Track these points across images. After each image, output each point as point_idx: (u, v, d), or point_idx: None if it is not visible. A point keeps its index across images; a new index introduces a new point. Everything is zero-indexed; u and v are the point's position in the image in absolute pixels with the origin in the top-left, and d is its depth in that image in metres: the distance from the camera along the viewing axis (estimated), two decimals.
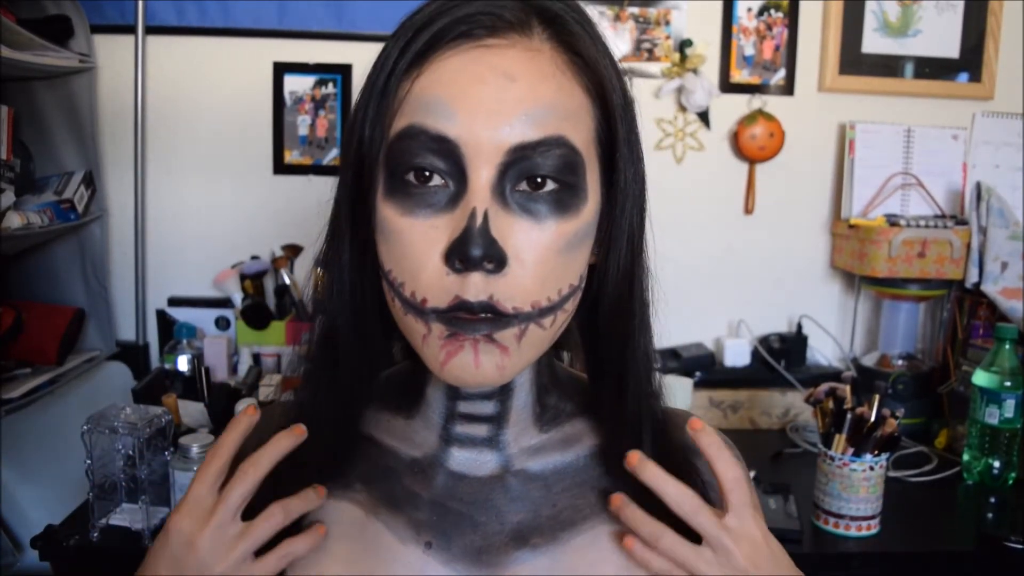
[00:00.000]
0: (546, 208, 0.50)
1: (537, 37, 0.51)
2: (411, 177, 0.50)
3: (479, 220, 0.47)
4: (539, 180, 0.49)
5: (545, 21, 0.51)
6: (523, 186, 0.50)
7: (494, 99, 0.48)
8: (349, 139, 0.53)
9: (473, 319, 0.49)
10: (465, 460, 0.58)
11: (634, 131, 0.55)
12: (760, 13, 1.82)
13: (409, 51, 0.50)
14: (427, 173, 0.49)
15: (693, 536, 0.57)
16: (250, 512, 0.56)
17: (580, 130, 0.51)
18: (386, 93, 0.50)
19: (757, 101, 1.84)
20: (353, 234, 0.53)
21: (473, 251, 0.47)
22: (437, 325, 0.50)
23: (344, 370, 0.56)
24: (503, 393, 0.58)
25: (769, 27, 1.82)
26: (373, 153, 0.51)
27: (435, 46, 0.49)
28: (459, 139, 0.48)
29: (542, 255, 0.50)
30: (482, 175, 0.48)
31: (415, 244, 0.49)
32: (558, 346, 0.65)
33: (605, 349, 0.57)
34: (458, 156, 0.48)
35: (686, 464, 0.59)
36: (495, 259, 0.48)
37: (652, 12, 1.80)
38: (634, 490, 0.55)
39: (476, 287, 0.48)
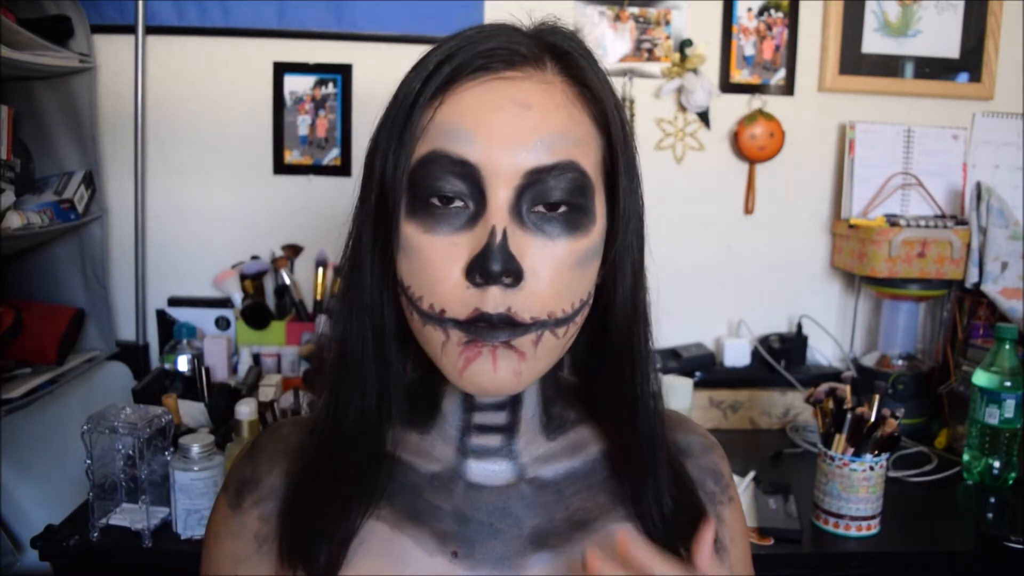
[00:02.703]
0: (559, 228, 0.53)
1: (550, 71, 0.55)
2: (434, 199, 0.53)
3: (499, 237, 0.51)
4: (554, 203, 0.53)
5: (556, 57, 0.55)
6: (539, 208, 0.53)
7: (511, 126, 0.52)
8: (371, 166, 0.57)
9: (492, 328, 0.52)
10: (482, 471, 0.61)
11: (634, 161, 0.58)
12: (760, 13, 1.82)
13: (432, 83, 0.53)
14: (450, 195, 0.53)
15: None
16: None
17: (589, 156, 0.55)
18: (409, 122, 0.54)
19: (757, 101, 1.84)
20: (374, 256, 0.56)
21: (493, 266, 0.50)
22: (456, 332, 0.53)
23: (369, 389, 0.58)
24: (514, 403, 0.61)
25: (769, 27, 1.82)
26: (397, 177, 0.54)
27: (456, 78, 0.53)
28: (479, 163, 0.52)
29: (556, 270, 0.53)
30: (500, 196, 0.52)
31: (436, 259, 0.53)
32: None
33: (614, 364, 0.60)
34: (478, 178, 0.52)
35: (675, 464, 0.63)
36: (513, 273, 0.51)
37: (652, 12, 1.80)
38: (637, 493, 0.60)
39: (495, 300, 0.52)
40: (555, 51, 0.56)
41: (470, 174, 0.52)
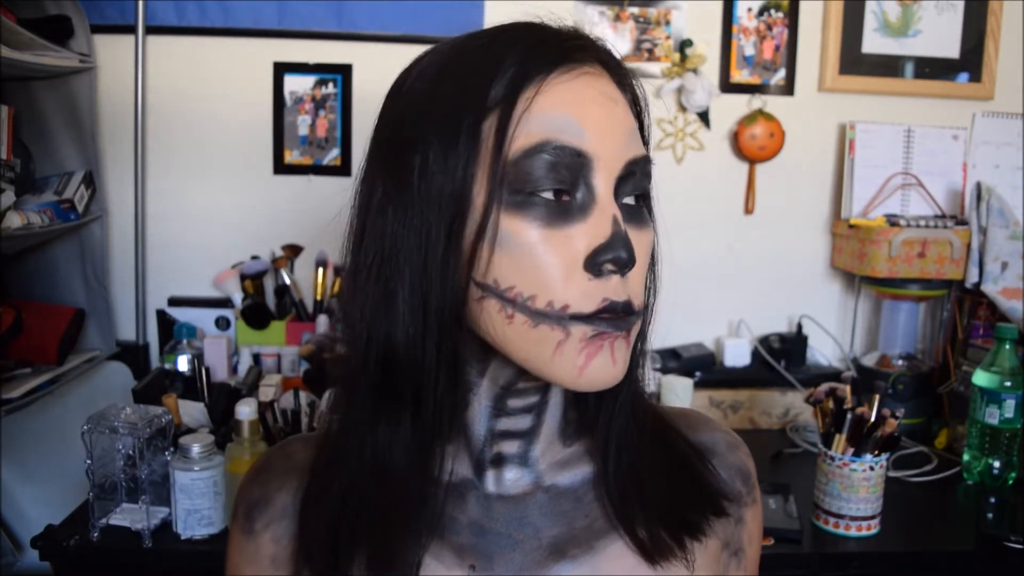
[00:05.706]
0: (642, 218, 0.55)
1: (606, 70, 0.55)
2: (544, 192, 0.50)
3: (622, 225, 0.51)
4: (638, 194, 0.55)
5: (604, 58, 0.56)
6: (628, 199, 0.54)
7: (608, 119, 0.52)
8: (407, 169, 0.52)
9: (616, 317, 0.51)
10: (497, 481, 0.59)
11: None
12: (760, 13, 1.82)
13: (517, 76, 0.51)
14: (561, 187, 0.50)
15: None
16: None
17: None
18: (503, 114, 0.50)
19: (757, 101, 1.84)
20: (446, 261, 0.51)
21: (623, 254, 0.50)
22: (579, 328, 0.50)
23: (432, 409, 0.54)
24: (540, 407, 0.59)
25: (769, 27, 1.82)
26: (493, 173, 0.50)
27: (543, 70, 0.51)
28: (592, 153, 0.51)
29: (645, 259, 0.55)
30: (606, 186, 0.52)
31: (551, 254, 0.50)
32: None
33: None
34: (588, 169, 0.51)
35: (703, 464, 0.62)
36: (633, 261, 0.51)
37: (652, 12, 1.80)
38: (624, 510, 0.58)
39: (618, 289, 0.51)
40: (601, 52, 0.56)
41: (581, 165, 0.50)
